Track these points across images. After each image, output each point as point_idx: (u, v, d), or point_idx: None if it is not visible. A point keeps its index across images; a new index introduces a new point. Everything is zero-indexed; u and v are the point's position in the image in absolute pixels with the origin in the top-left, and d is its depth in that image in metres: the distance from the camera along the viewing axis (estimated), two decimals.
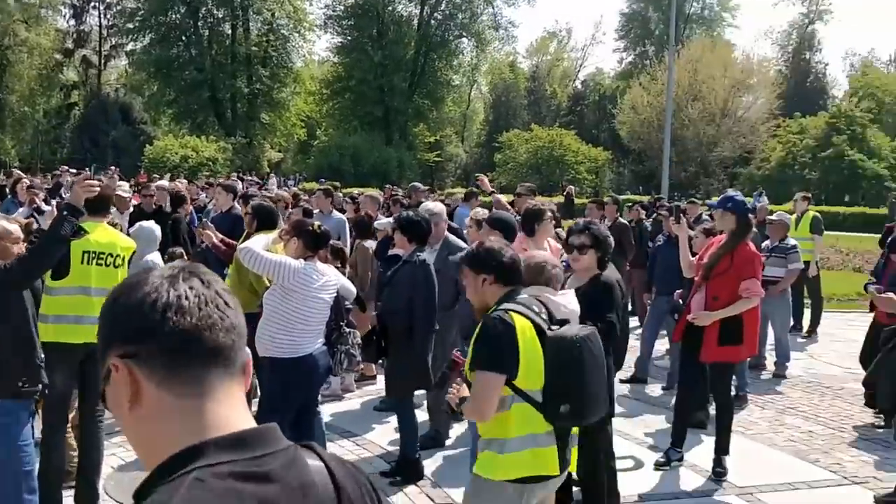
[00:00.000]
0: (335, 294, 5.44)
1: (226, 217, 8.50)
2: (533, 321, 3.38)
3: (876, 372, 5.74)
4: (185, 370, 1.16)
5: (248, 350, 1.27)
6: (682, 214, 6.24)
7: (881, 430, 6.91)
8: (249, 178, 20.66)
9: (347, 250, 8.42)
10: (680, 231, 6.19)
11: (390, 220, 8.34)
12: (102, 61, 54.17)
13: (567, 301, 3.86)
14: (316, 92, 54.71)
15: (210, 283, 1.22)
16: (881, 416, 7.05)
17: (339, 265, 7.36)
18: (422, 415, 6.31)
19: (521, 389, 3.33)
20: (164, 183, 14.48)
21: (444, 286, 5.87)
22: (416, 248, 5.67)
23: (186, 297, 1.17)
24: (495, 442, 3.38)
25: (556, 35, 71.10)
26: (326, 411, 6.70)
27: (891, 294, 5.44)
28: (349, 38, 51.67)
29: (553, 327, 3.44)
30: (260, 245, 5.20)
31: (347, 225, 9.97)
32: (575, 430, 3.60)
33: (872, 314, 7.56)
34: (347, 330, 6.23)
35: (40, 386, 4.24)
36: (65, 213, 4.33)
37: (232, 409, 1.18)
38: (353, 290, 6.32)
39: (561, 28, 73.50)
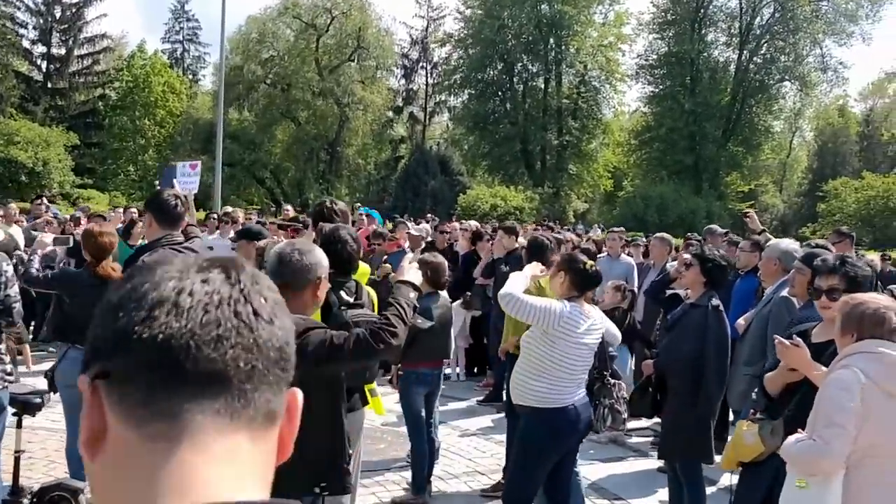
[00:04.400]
0: (600, 339, 5.14)
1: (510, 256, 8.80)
2: None
3: None
4: (162, 399, 0.76)
5: (295, 391, 0.86)
6: None
7: None
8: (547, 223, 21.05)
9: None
10: None
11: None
12: (427, 117, 58.36)
13: None
14: (624, 143, 54.42)
15: (242, 280, 0.82)
16: None
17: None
18: None
19: None
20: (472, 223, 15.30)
21: None
22: (708, 291, 5.25)
23: (190, 293, 0.78)
24: None
25: None
26: (588, 473, 6.29)
27: None
28: (660, 87, 50.83)
29: None
30: (519, 282, 4.91)
31: (636, 270, 9.92)
32: None
33: None
34: (612, 381, 5.81)
35: None
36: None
37: (222, 467, 0.76)
38: (618, 334, 5.92)
39: None
